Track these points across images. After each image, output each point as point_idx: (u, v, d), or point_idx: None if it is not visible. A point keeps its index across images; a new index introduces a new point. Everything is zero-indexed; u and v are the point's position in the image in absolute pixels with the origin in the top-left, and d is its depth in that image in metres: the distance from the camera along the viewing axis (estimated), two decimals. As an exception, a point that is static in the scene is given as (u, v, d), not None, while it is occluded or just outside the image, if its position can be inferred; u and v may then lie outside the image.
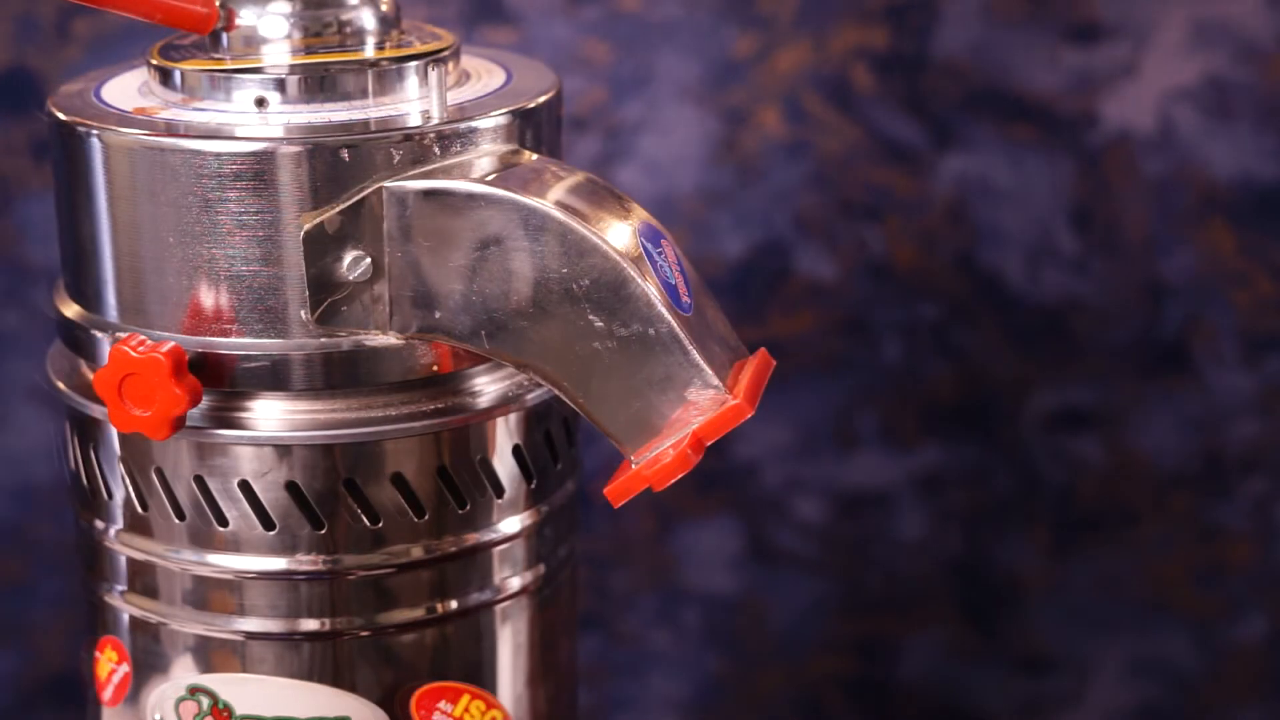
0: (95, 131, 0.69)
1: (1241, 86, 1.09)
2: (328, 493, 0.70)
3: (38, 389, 1.06)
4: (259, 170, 0.67)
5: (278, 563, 0.71)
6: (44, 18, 1.03)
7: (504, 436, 0.73)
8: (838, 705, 1.18)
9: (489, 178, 0.67)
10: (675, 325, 0.65)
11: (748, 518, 1.15)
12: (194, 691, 0.73)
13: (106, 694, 0.76)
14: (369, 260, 0.68)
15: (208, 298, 0.68)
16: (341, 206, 0.67)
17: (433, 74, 0.70)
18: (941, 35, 1.08)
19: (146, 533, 0.73)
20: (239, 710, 0.73)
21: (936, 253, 1.11)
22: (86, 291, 0.72)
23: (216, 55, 0.72)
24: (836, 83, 1.08)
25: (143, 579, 0.73)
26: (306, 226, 0.67)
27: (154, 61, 0.73)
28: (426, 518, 0.72)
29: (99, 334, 0.71)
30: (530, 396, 0.73)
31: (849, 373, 1.13)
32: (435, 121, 0.69)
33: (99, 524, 0.74)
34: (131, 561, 0.73)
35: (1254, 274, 1.10)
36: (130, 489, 0.73)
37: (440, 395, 0.71)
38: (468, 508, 0.73)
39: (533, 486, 0.75)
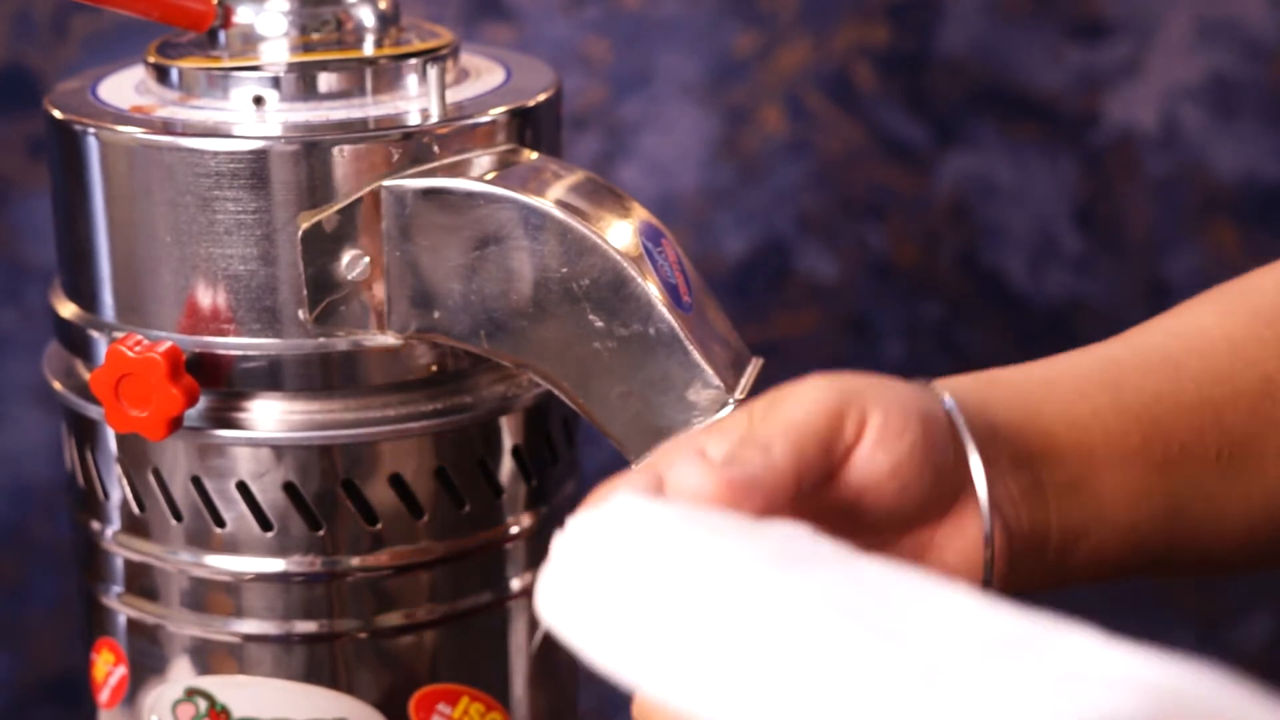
0: (92, 130, 0.69)
1: (1246, 85, 1.09)
2: (325, 494, 0.70)
3: (35, 389, 1.06)
4: (256, 169, 0.67)
5: (275, 564, 0.71)
6: (41, 15, 1.03)
7: (503, 437, 0.73)
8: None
9: (488, 176, 0.67)
10: (676, 325, 0.65)
11: (749, 518, 1.14)
12: (191, 693, 0.73)
13: (103, 696, 0.76)
14: (367, 260, 0.67)
15: (205, 297, 0.68)
16: (340, 205, 0.67)
17: (432, 72, 0.69)
18: (943, 33, 1.08)
19: (144, 534, 0.72)
20: (236, 713, 0.72)
21: (939, 252, 1.11)
22: (83, 291, 0.71)
23: (214, 53, 0.72)
24: (838, 81, 1.08)
25: (140, 580, 0.73)
26: (304, 226, 0.67)
27: (151, 59, 0.73)
28: (425, 519, 0.71)
29: (96, 334, 0.71)
30: (529, 397, 0.72)
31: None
32: (434, 120, 0.69)
33: (96, 525, 0.74)
34: (129, 563, 0.73)
35: (1258, 273, 1.10)
36: (127, 490, 0.72)
37: (439, 396, 0.71)
38: (467, 509, 0.72)
39: (533, 487, 0.74)
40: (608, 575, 0.46)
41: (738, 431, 0.52)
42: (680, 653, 0.44)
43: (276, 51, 0.71)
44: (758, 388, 0.68)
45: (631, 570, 0.46)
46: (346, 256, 0.67)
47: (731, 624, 0.44)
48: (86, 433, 0.73)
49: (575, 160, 1.01)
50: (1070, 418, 0.57)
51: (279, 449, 0.70)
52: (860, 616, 0.43)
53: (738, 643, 0.43)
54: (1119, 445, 0.57)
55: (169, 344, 0.67)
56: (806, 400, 0.52)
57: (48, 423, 1.07)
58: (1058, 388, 0.57)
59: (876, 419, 0.52)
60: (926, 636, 0.42)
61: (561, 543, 0.48)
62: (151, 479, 0.71)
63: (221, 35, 0.72)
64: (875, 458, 0.52)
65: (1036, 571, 0.56)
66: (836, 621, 0.43)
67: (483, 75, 0.75)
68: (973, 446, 0.54)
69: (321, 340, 0.68)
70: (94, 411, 0.71)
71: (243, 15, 0.71)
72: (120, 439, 0.72)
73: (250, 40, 0.72)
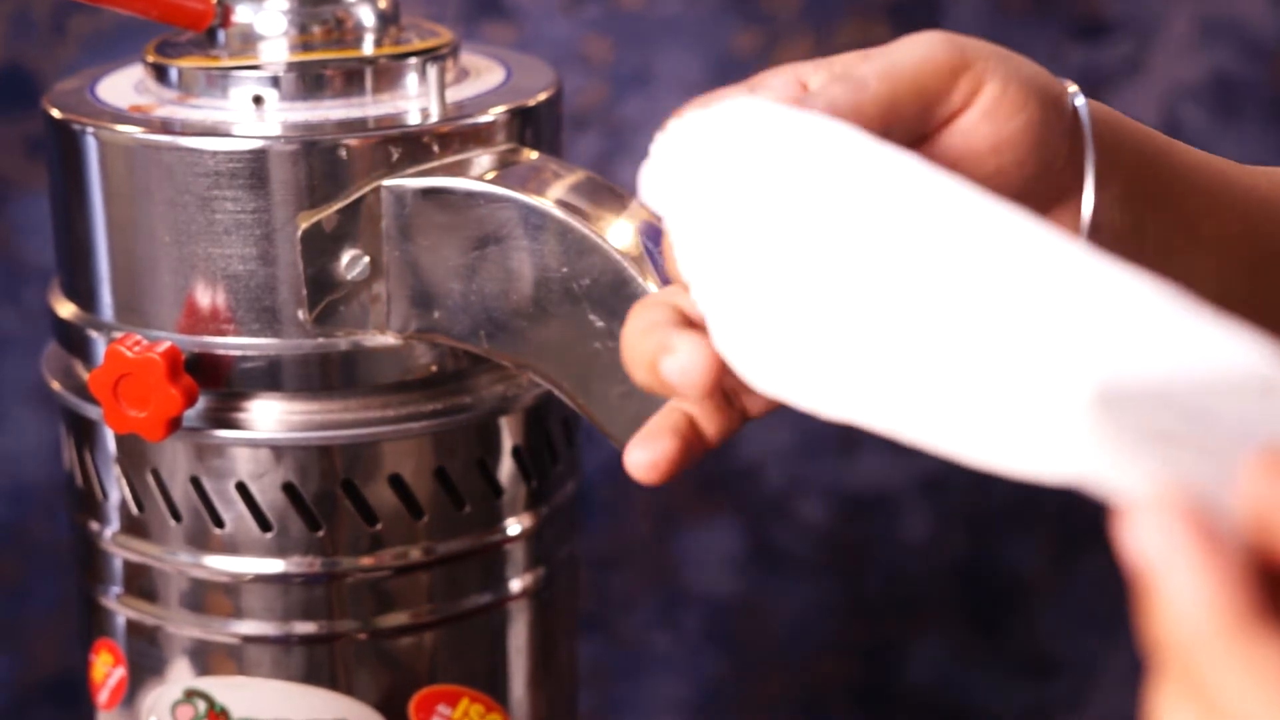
0: (91, 129, 0.69)
1: (1248, 84, 1.08)
2: (325, 494, 0.70)
3: (34, 389, 1.05)
4: (255, 169, 0.66)
5: (275, 565, 0.71)
6: (40, 15, 1.03)
7: (503, 437, 0.73)
8: (840, 708, 1.18)
9: (488, 176, 0.67)
10: (676, 325, 0.64)
11: (749, 519, 1.14)
12: (190, 695, 0.73)
13: (102, 697, 0.76)
14: (367, 259, 0.67)
15: (204, 297, 0.68)
16: (339, 205, 0.67)
17: (431, 71, 0.69)
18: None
19: (143, 535, 0.72)
20: (236, 714, 0.72)
21: (940, 252, 1.10)
22: (82, 291, 0.71)
23: (213, 52, 0.72)
24: (839, 81, 1.08)
25: (139, 581, 0.73)
26: (304, 225, 0.67)
27: (150, 59, 0.72)
28: (425, 519, 0.71)
29: (94, 334, 0.70)
30: (529, 397, 0.72)
31: (851, 373, 1.12)
32: (434, 119, 0.68)
33: (95, 526, 0.74)
34: (128, 564, 0.73)
35: (1259, 273, 1.09)
36: (126, 490, 0.72)
37: (438, 396, 0.70)
38: (466, 509, 0.72)
39: (533, 487, 0.74)
40: (717, 147, 0.47)
41: (843, 65, 0.50)
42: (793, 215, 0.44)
43: (276, 51, 0.71)
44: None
45: (742, 141, 0.46)
46: (346, 256, 0.67)
47: (845, 190, 0.44)
48: (85, 433, 0.73)
49: (575, 160, 1.01)
50: (1193, 162, 0.54)
51: (278, 449, 0.69)
52: (962, 194, 0.43)
53: (852, 209, 0.43)
54: (1228, 222, 0.55)
55: (168, 344, 0.67)
56: (921, 50, 0.50)
57: (47, 423, 1.07)
58: (1186, 149, 0.55)
59: (993, 89, 0.50)
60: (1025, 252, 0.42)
61: (667, 132, 0.48)
62: (150, 479, 0.71)
63: (220, 34, 0.72)
64: (978, 129, 0.50)
65: None
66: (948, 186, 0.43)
67: (483, 75, 0.75)
68: (1091, 154, 0.51)
69: (321, 340, 0.68)
70: (93, 412, 0.71)
71: (242, 14, 0.71)
72: (119, 439, 0.72)
73: (249, 39, 0.71)
